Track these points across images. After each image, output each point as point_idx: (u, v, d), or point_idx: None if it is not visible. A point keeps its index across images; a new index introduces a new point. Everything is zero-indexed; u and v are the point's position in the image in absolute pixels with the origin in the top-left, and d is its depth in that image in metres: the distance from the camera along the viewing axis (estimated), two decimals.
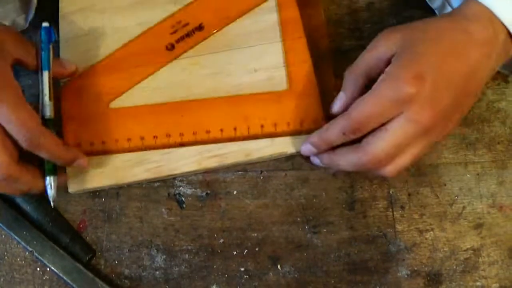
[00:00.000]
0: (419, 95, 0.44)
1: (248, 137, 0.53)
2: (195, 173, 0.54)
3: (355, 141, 0.47)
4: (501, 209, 0.53)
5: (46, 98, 0.50)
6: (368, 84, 0.48)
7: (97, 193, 0.53)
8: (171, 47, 0.56)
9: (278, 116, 0.53)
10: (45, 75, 0.50)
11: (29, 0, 0.57)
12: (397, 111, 0.44)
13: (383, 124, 0.45)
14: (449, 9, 0.56)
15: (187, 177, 0.54)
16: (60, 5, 0.59)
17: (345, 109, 0.48)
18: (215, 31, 0.57)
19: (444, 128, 0.46)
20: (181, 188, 0.54)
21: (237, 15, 0.57)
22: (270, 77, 0.55)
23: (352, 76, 0.49)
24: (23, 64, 0.50)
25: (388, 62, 0.46)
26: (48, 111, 0.50)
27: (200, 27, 0.57)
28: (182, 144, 0.53)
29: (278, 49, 0.56)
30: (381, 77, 0.46)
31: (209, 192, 0.54)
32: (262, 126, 0.53)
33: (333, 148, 0.49)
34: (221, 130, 0.53)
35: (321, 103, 0.54)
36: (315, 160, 0.52)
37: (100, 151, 0.53)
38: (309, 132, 0.52)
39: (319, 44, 0.58)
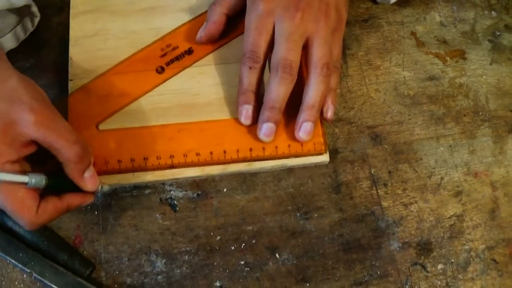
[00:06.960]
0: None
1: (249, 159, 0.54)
2: (196, 178, 0.55)
3: None
4: (477, 176, 0.56)
5: None
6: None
7: (89, 207, 0.53)
8: (161, 70, 0.57)
9: (278, 137, 0.54)
10: None
11: (30, 12, 0.56)
12: (270, 20, 0.52)
13: None
14: None
15: (176, 181, 0.55)
16: (72, 4, 0.59)
17: (208, 37, 0.56)
18: (205, 54, 0.58)
19: (321, 16, 0.52)
20: (172, 192, 0.54)
21: (226, 40, 0.58)
22: None
23: (217, 9, 0.56)
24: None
25: None
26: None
27: (189, 51, 0.58)
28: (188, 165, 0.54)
29: None
30: None
31: (200, 192, 0.55)
32: (263, 148, 0.54)
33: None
34: (237, 150, 0.54)
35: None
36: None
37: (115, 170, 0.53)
38: (309, 153, 0.54)
39: None
